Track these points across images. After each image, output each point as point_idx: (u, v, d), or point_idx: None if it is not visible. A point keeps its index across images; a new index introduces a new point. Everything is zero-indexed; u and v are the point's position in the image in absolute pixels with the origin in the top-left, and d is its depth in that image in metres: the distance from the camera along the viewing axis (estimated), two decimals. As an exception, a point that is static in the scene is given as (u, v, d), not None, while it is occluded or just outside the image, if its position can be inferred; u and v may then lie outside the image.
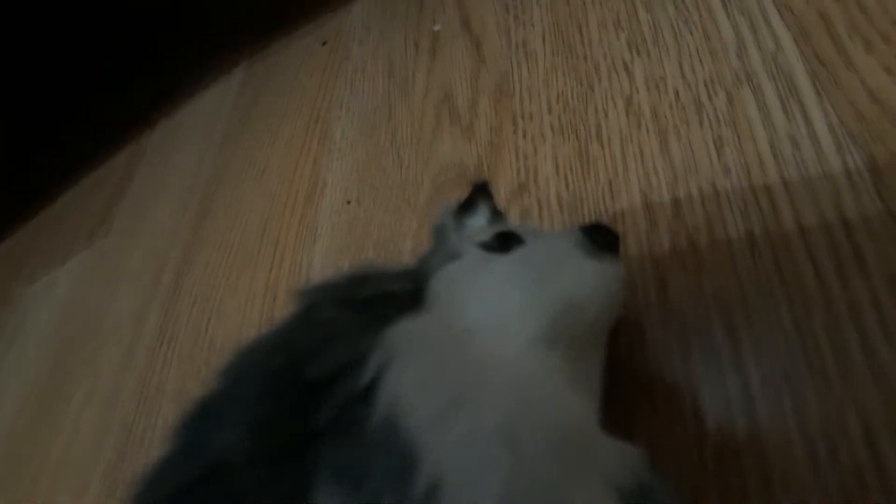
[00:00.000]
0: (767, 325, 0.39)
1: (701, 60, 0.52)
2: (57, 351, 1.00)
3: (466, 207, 0.45)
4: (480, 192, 0.46)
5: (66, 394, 0.91)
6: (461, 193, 0.47)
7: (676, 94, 0.51)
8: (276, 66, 1.05)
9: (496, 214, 0.45)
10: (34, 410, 0.95)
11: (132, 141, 1.26)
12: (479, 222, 0.44)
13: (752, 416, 0.36)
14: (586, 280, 0.36)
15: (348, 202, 0.72)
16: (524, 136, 0.60)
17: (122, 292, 0.96)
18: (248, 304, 0.73)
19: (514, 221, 0.51)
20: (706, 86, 0.50)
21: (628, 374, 0.41)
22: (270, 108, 0.99)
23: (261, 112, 1.00)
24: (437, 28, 0.81)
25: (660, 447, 0.38)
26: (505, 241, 0.38)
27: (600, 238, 0.38)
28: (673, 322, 0.42)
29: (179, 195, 1.01)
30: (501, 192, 0.58)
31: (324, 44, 0.98)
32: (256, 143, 0.95)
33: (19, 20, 1.38)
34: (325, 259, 0.69)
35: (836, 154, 0.42)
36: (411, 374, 0.27)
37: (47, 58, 1.45)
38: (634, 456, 0.30)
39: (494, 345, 0.31)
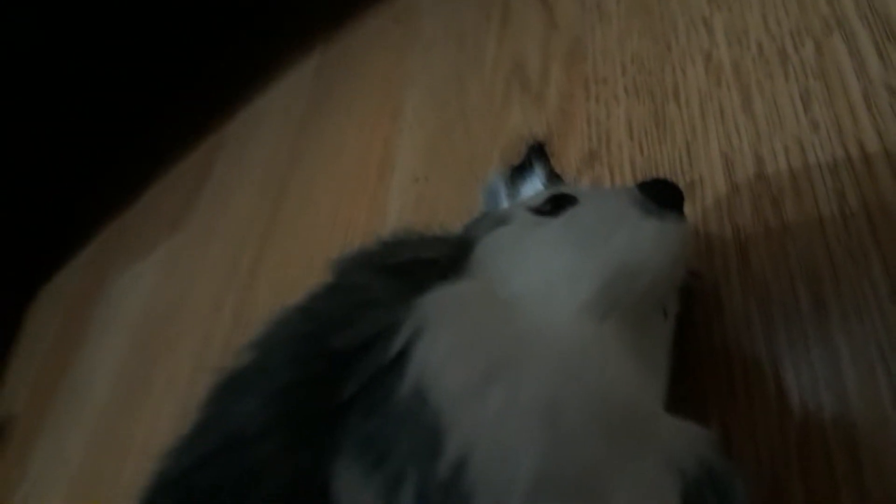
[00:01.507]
0: (860, 293, 0.35)
1: (786, 9, 0.47)
2: (143, 340, 1.03)
3: (521, 170, 0.42)
4: (536, 154, 0.42)
5: (149, 381, 0.93)
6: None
7: (760, 47, 0.47)
8: (351, 48, 1.05)
9: (553, 176, 0.41)
10: (122, 398, 0.98)
11: (213, 132, 1.29)
12: (534, 186, 0.41)
13: (842, 395, 0.33)
14: (643, 242, 0.32)
15: (417, 180, 0.70)
16: (597, 100, 0.57)
17: (202, 281, 0.98)
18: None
19: (573, 183, 0.48)
20: (792, 36, 0.46)
21: (704, 349, 0.38)
22: (344, 89, 0.98)
23: (335, 94, 1.00)
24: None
25: (737, 429, 0.35)
26: (557, 204, 0.35)
27: (660, 195, 0.35)
28: (754, 292, 0.38)
29: (257, 183, 1.02)
30: (572, 161, 0.55)
31: (397, 21, 0.97)
32: (331, 125, 0.95)
33: (103, 19, 1.42)
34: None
35: (938, 102, 0.37)
36: (445, 344, 0.25)
37: (131, 55, 1.49)
38: (702, 437, 0.28)
39: (539, 314, 0.29)
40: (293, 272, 0.80)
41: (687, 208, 0.39)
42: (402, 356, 0.25)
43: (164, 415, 0.84)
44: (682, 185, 0.45)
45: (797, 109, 0.43)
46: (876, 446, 0.31)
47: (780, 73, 0.45)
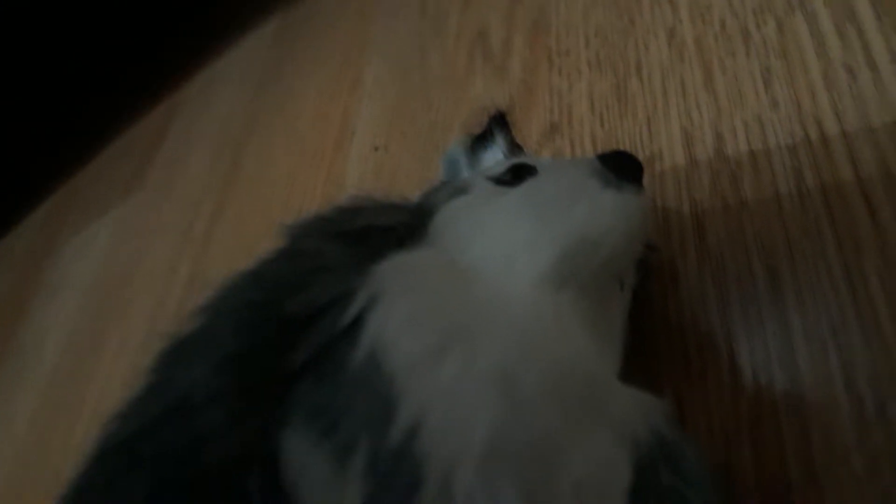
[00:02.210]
0: (814, 270, 0.35)
1: (751, -13, 0.47)
2: (95, 302, 1.01)
3: (482, 140, 0.42)
4: (497, 124, 0.42)
5: (101, 343, 0.91)
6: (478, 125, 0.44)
7: (723, 23, 0.47)
8: (312, 13, 1.03)
9: (514, 147, 0.41)
10: (73, 360, 0.96)
11: (169, 94, 1.26)
12: (495, 155, 0.41)
13: (793, 370, 0.33)
14: (602, 213, 0.32)
15: (376, 149, 0.69)
16: (559, 73, 0.56)
17: (156, 244, 0.96)
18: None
19: (533, 154, 0.48)
20: (755, 14, 0.46)
21: (659, 321, 0.39)
22: (304, 55, 0.97)
23: (294, 59, 0.98)
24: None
25: (691, 401, 0.35)
26: (517, 174, 0.34)
27: (620, 166, 0.35)
28: (710, 267, 0.39)
29: (213, 146, 1.01)
30: (533, 133, 0.54)
31: (360, -15, 0.95)
32: (289, 91, 0.93)
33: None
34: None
35: (896, 83, 0.38)
36: (400, 312, 0.25)
37: (84, 14, 1.45)
38: (655, 408, 0.28)
39: (497, 283, 0.28)
40: (248, 236, 0.79)
41: (646, 182, 0.39)
42: (357, 324, 0.24)
43: (116, 378, 0.82)
44: (641, 158, 0.45)
45: (758, 87, 0.43)
46: (825, 422, 0.31)
47: (742, 50, 0.45)
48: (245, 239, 0.79)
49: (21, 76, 1.48)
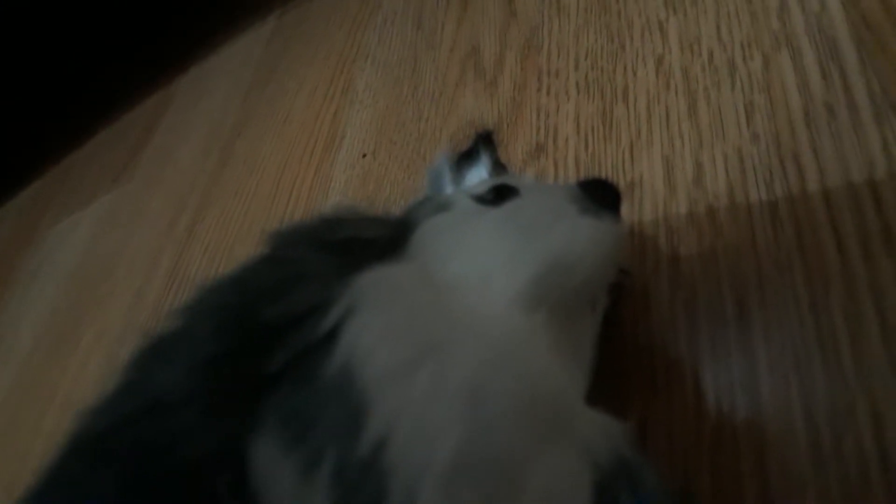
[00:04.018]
0: (782, 303, 0.36)
1: (740, 21, 0.48)
2: (73, 291, 1.01)
3: (467, 157, 0.42)
4: (483, 142, 0.43)
5: (77, 333, 0.91)
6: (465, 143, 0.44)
7: (711, 55, 0.48)
8: (308, 15, 1.04)
9: (498, 166, 0.42)
10: (47, 348, 0.96)
11: (162, 87, 1.26)
12: (479, 174, 0.41)
13: (756, 400, 0.34)
14: (578, 239, 0.33)
15: (364, 155, 0.70)
16: (548, 93, 0.57)
17: (139, 236, 0.96)
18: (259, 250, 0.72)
19: (517, 174, 0.48)
20: (743, 48, 0.47)
21: (629, 345, 0.39)
22: (298, 57, 0.97)
23: (288, 61, 0.99)
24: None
25: (655, 425, 0.36)
26: (500, 195, 0.35)
27: (598, 194, 0.35)
28: (682, 294, 0.39)
29: (203, 142, 1.01)
30: (519, 152, 0.55)
31: (357, -9, 0.96)
32: (282, 91, 0.94)
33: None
34: (336, 213, 0.67)
35: (874, 125, 0.38)
36: (376, 324, 0.25)
37: (83, 2, 1.45)
38: (618, 431, 0.28)
39: (473, 301, 0.29)
40: (231, 235, 0.79)
41: (624, 207, 0.40)
42: (333, 334, 0.24)
43: (90, 369, 0.82)
44: (622, 184, 0.46)
45: (740, 120, 0.44)
46: (782, 452, 0.32)
47: (727, 82, 0.46)
48: (228, 237, 0.79)
49: (14, 62, 1.48)
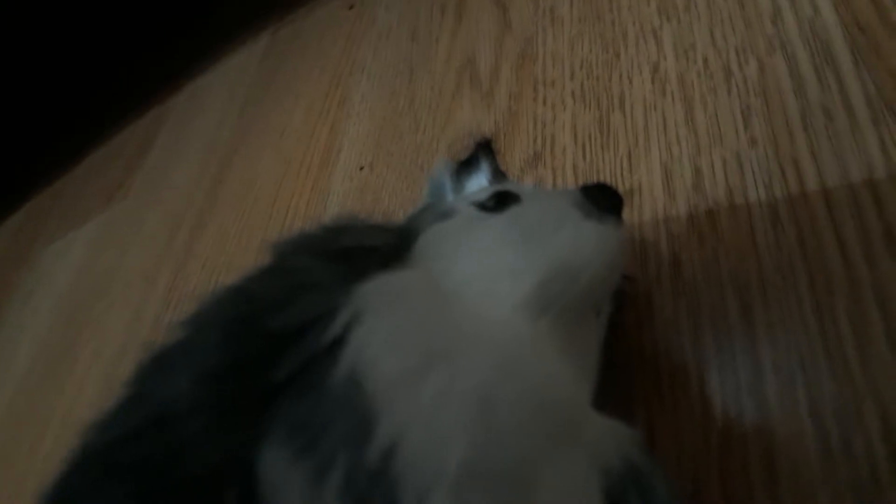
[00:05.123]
0: (785, 306, 0.36)
1: (733, 27, 0.49)
2: (69, 310, 1.00)
3: (467, 165, 0.42)
4: (483, 150, 0.43)
5: (74, 353, 0.91)
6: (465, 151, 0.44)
7: (706, 61, 0.48)
8: (302, 31, 1.04)
9: (498, 174, 0.42)
10: (43, 368, 0.95)
11: (157, 104, 1.26)
12: (479, 181, 0.42)
13: (763, 403, 0.34)
14: (582, 243, 0.33)
15: (361, 168, 0.70)
16: (544, 102, 0.57)
17: (135, 254, 0.96)
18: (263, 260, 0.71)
19: (517, 182, 0.48)
20: (737, 53, 0.47)
21: (635, 351, 0.39)
22: (293, 72, 0.97)
23: (283, 76, 0.99)
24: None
25: (663, 430, 0.36)
26: (501, 201, 0.35)
27: (601, 199, 0.35)
28: (685, 299, 0.39)
29: (198, 159, 1.01)
30: (516, 161, 0.55)
31: (350, 7, 0.96)
32: (277, 107, 0.94)
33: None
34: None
35: (871, 127, 0.39)
36: (382, 332, 0.25)
37: (77, 22, 1.45)
38: (626, 436, 0.28)
39: (478, 308, 0.29)
40: (229, 251, 0.79)
41: (625, 214, 0.40)
42: (339, 342, 0.24)
43: (88, 388, 0.82)
44: (621, 191, 0.46)
45: (737, 125, 0.44)
46: (791, 455, 0.32)
47: (723, 88, 0.46)
48: (225, 254, 0.79)
49: (8, 83, 1.48)
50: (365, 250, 0.30)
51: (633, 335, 0.40)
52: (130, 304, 0.88)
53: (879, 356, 0.32)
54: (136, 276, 0.92)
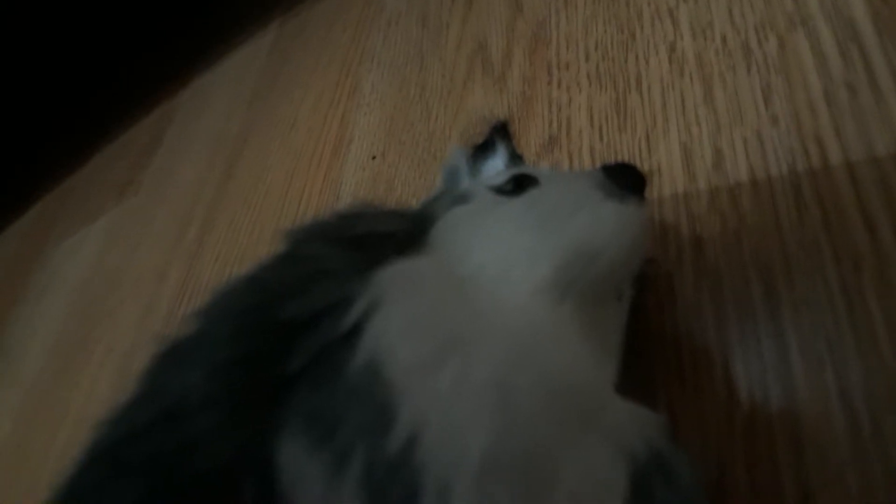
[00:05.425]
0: (811, 285, 0.35)
1: (752, 4, 0.48)
2: (82, 307, 1.01)
3: (483, 149, 0.42)
4: (499, 134, 0.42)
5: (87, 349, 0.91)
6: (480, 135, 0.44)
7: (724, 39, 0.47)
8: (311, 21, 1.03)
9: (515, 157, 0.41)
10: (57, 364, 0.96)
11: (165, 101, 1.27)
12: (496, 165, 0.41)
13: (789, 386, 0.33)
14: (603, 224, 0.32)
15: (373, 157, 0.69)
16: (559, 86, 0.56)
17: (146, 250, 0.96)
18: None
19: (534, 165, 0.47)
20: (756, 31, 0.46)
21: (656, 335, 0.38)
22: (301, 63, 0.97)
23: (292, 68, 0.98)
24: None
25: (685, 415, 0.35)
26: (519, 185, 0.34)
27: (623, 178, 0.35)
28: (707, 280, 0.38)
29: (207, 154, 1.01)
30: (531, 145, 0.54)
31: (359, -6, 0.96)
32: (286, 99, 0.93)
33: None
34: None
35: (897, 102, 0.38)
36: (400, 319, 0.24)
37: (82, 19, 1.45)
38: (651, 422, 0.27)
39: (497, 293, 0.28)
40: (240, 245, 0.78)
41: (646, 195, 0.39)
42: (356, 330, 0.24)
43: (101, 384, 0.82)
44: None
45: (758, 103, 0.43)
46: (819, 438, 0.31)
47: (742, 66, 0.45)
48: (237, 247, 0.79)
49: (16, 81, 1.48)
50: (380, 237, 0.30)
51: (655, 318, 0.39)
52: (142, 299, 0.88)
53: (911, 334, 0.31)
54: (147, 272, 0.92)
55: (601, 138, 0.50)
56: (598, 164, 0.47)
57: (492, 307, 0.27)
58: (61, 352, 0.97)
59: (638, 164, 0.45)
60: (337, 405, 0.22)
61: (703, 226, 0.40)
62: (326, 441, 0.22)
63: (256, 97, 1.01)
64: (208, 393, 0.22)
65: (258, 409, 0.22)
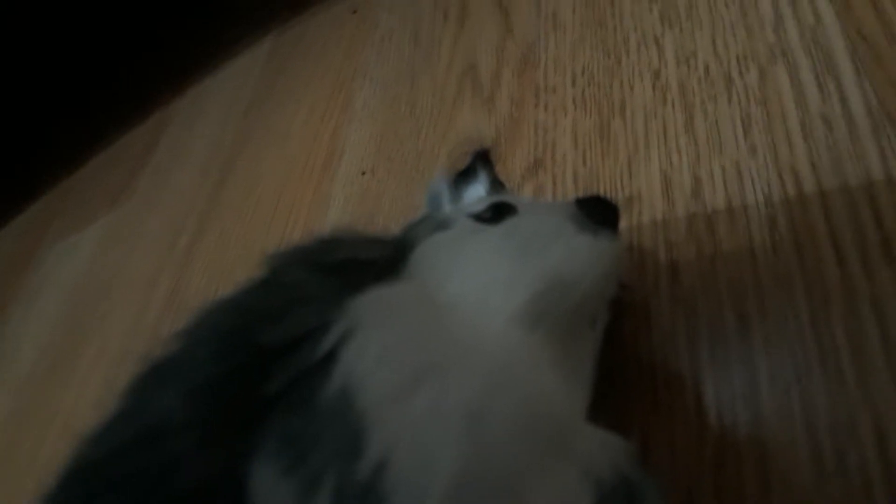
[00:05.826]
0: (782, 316, 0.36)
1: (735, 35, 0.48)
2: (73, 311, 1.01)
3: (465, 175, 0.42)
4: (481, 160, 0.43)
5: (78, 352, 0.91)
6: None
7: (707, 69, 0.48)
8: (306, 35, 1.04)
9: (496, 184, 0.42)
10: (47, 367, 0.96)
11: (160, 108, 1.27)
12: (477, 192, 0.41)
13: (757, 414, 0.34)
14: (576, 256, 0.33)
15: (363, 173, 0.70)
16: (545, 109, 0.57)
17: (139, 256, 0.96)
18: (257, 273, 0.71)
19: (514, 192, 0.48)
20: (738, 61, 0.47)
21: (630, 360, 0.39)
22: (296, 76, 0.97)
23: (286, 80, 0.99)
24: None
25: (656, 441, 0.36)
26: (498, 213, 0.35)
27: (596, 211, 0.35)
28: (682, 308, 0.39)
29: (201, 162, 1.01)
30: (517, 168, 0.55)
31: (354, 12, 0.96)
32: (280, 111, 0.94)
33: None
34: (335, 231, 0.67)
35: (871, 137, 0.38)
36: (375, 347, 0.25)
37: (79, 24, 1.45)
38: (620, 448, 0.28)
39: (472, 321, 0.29)
40: (231, 254, 0.79)
41: (623, 222, 0.40)
42: (331, 356, 0.24)
43: (90, 390, 0.82)
44: (620, 199, 0.46)
45: (737, 133, 0.44)
46: (785, 470, 0.31)
47: (724, 96, 0.46)
48: (227, 257, 0.79)
49: (12, 85, 1.48)
50: (359, 263, 0.30)
51: (630, 344, 0.39)
52: (133, 306, 0.88)
53: (875, 368, 0.32)
54: (139, 279, 0.92)
55: (584, 163, 0.51)
56: (580, 189, 0.48)
57: (467, 334, 0.28)
58: (51, 356, 0.97)
59: (615, 192, 0.46)
60: (310, 430, 0.23)
61: (681, 253, 0.41)
62: (299, 465, 0.22)
63: (252, 107, 1.01)
64: (186, 413, 0.23)
65: (235, 431, 0.23)
